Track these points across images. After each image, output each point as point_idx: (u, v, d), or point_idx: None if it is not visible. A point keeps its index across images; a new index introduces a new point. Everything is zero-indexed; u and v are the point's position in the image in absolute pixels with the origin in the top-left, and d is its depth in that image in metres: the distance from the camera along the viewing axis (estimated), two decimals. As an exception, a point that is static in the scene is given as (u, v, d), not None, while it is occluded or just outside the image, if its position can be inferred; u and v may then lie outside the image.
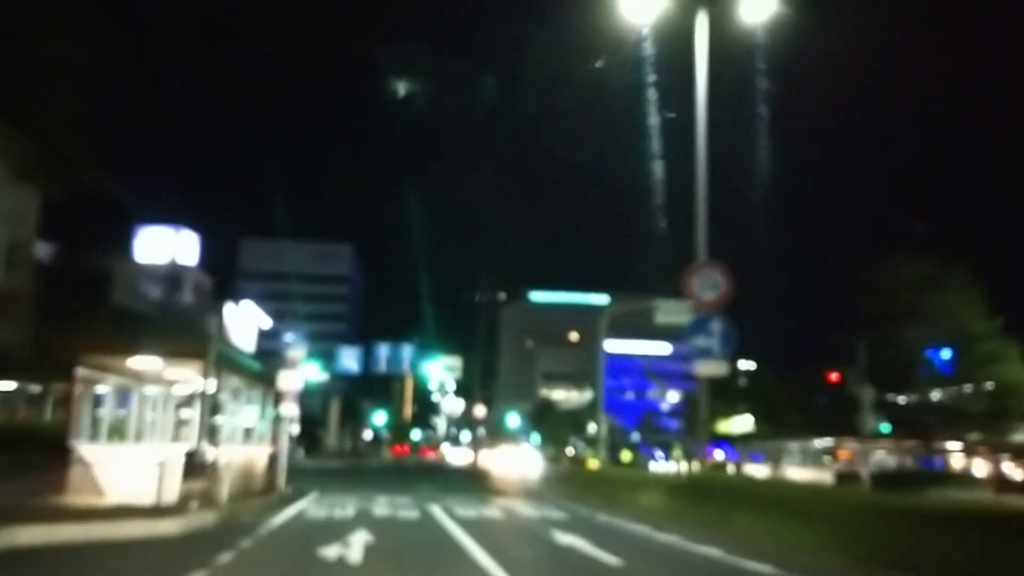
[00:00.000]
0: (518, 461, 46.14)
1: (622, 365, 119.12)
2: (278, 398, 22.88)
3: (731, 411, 54.48)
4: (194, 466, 15.39)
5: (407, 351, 45.91)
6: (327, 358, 52.26)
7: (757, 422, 54.27)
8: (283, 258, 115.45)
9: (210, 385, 16.26)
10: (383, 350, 46.47)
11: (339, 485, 28.41)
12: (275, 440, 23.44)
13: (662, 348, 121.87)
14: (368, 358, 46.93)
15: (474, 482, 34.71)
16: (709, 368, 15.50)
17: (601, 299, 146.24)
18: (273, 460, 22.46)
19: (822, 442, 44.46)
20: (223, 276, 61.79)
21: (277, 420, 23.24)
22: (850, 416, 37.36)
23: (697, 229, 16.21)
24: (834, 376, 38.22)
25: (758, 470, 45.29)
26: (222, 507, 15.75)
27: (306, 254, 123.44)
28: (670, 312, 24.15)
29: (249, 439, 22.37)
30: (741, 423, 54.27)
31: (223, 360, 16.52)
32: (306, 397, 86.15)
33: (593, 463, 27.31)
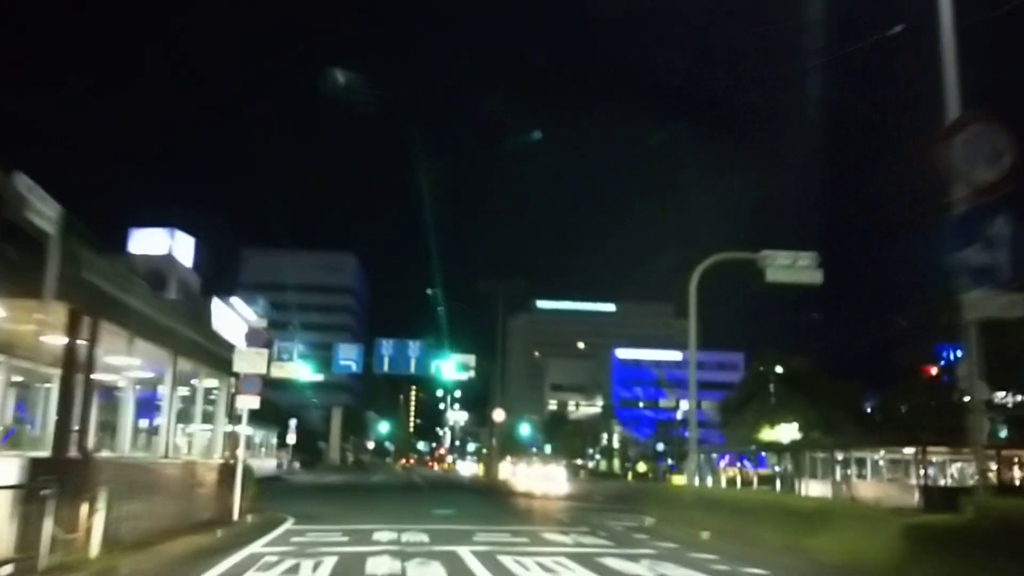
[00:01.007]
0: (544, 476, 38.64)
1: (633, 374, 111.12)
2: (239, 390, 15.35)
3: (777, 417, 46.75)
4: (37, 493, 7.91)
5: (414, 349, 38.21)
6: (328, 367, 44.85)
7: (803, 429, 46.45)
8: (285, 269, 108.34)
9: (77, 348, 8.81)
10: (387, 348, 38.77)
11: (330, 508, 20.81)
12: (232, 447, 15.93)
13: (672, 355, 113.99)
14: (370, 357, 39.26)
15: (501, 502, 27.05)
16: (991, 305, 7.98)
17: (607, 307, 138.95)
18: (227, 476, 14.93)
19: (882, 452, 36.83)
20: (223, 288, 54.74)
21: (233, 418, 15.75)
22: (946, 418, 29.66)
23: (945, 66, 8.76)
24: (933, 370, 30.56)
25: (818, 487, 37.28)
26: (88, 564, 8.25)
27: (309, 264, 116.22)
28: (784, 267, 16.76)
29: (190, 444, 14.88)
30: (787, 431, 46.45)
31: (102, 302, 9.03)
32: (305, 409, 78.63)
33: (678, 479, 20.21)
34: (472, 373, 39.06)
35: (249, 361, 14.85)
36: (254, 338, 15.08)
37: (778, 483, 42.37)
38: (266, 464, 44.70)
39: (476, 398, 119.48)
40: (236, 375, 14.94)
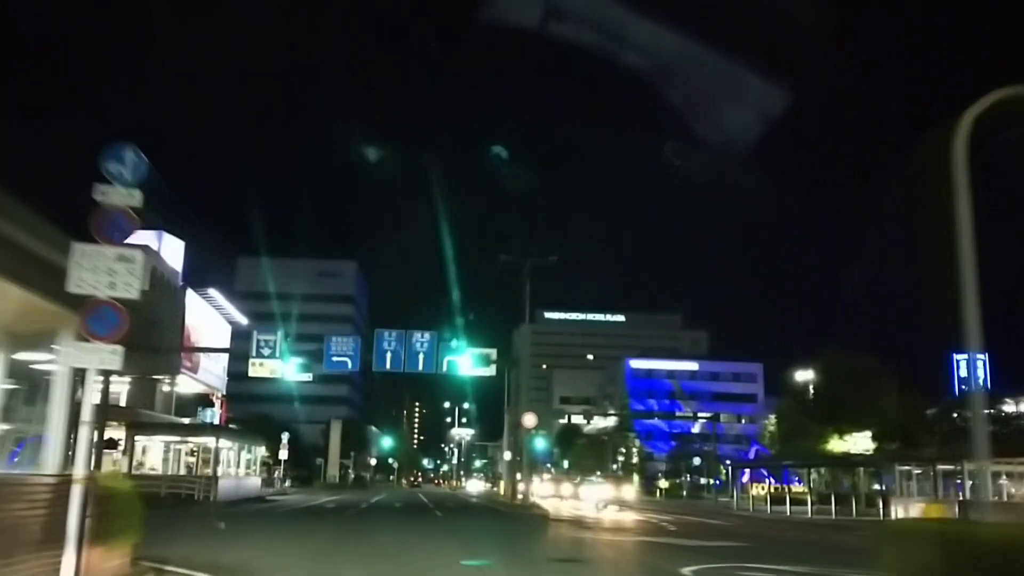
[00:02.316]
0: (613, 498, 30.17)
1: (646, 385, 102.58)
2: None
3: (847, 425, 38.70)
4: None
5: (422, 342, 30.18)
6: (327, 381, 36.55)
7: (877, 439, 38.46)
8: (283, 277, 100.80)
9: None
10: (389, 341, 30.77)
11: (295, 553, 12.73)
12: (73, 452, 7.88)
13: (687, 366, 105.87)
14: (369, 354, 31.28)
15: (555, 539, 18.73)
16: None
17: (615, 318, 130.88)
18: (61, 507, 6.93)
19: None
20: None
21: (76, 395, 7.77)
22: None
23: None
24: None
25: (909, 508, 28.99)
26: None
27: (307, 272, 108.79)
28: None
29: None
30: (860, 441, 38.40)
31: None
32: (298, 424, 70.34)
33: (935, 510, 12.94)
34: (494, 370, 31.00)
35: (101, 270, 6.90)
36: (112, 225, 7.13)
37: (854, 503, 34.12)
38: (246, 483, 36.56)
39: (482, 412, 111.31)
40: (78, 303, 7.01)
